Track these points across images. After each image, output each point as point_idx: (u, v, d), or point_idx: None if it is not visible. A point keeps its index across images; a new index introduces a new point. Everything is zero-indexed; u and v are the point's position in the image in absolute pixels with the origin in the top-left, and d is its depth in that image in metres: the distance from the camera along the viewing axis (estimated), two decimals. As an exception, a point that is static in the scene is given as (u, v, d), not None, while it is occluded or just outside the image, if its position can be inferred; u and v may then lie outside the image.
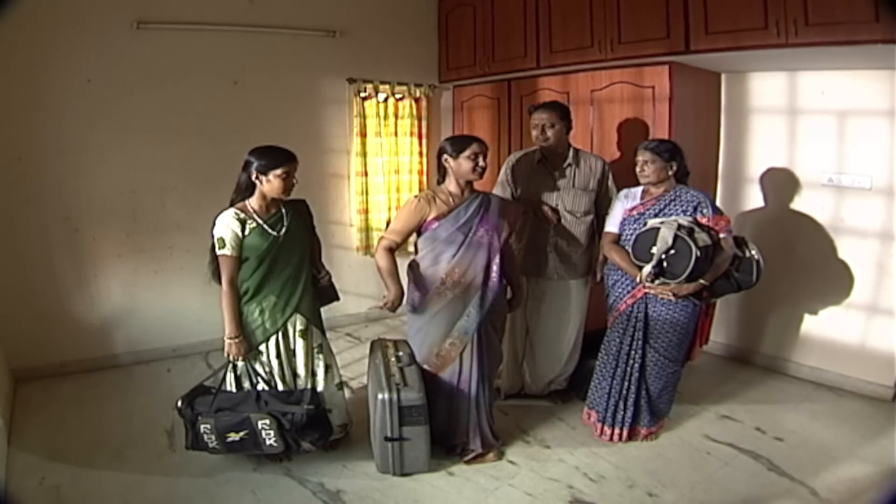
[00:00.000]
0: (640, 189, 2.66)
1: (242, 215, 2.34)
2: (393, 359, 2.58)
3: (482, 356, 2.55)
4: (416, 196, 2.54)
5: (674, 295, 2.49)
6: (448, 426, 2.58)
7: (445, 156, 2.51)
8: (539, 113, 2.85)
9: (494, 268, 2.51)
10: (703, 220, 2.48)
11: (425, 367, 2.54)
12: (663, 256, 2.41)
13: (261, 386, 2.41)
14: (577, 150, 2.93)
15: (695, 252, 2.34)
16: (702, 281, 2.45)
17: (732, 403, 3.10)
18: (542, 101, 3.06)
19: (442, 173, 2.57)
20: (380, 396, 2.37)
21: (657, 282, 2.47)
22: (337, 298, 2.70)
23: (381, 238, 2.56)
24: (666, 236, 2.40)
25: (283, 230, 2.40)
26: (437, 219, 2.48)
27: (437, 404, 2.53)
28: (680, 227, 2.41)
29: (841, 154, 3.18)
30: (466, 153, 2.47)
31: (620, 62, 3.34)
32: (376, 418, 2.42)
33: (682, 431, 2.83)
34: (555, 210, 2.87)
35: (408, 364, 2.53)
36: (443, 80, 4.54)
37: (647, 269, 2.45)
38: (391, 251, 2.52)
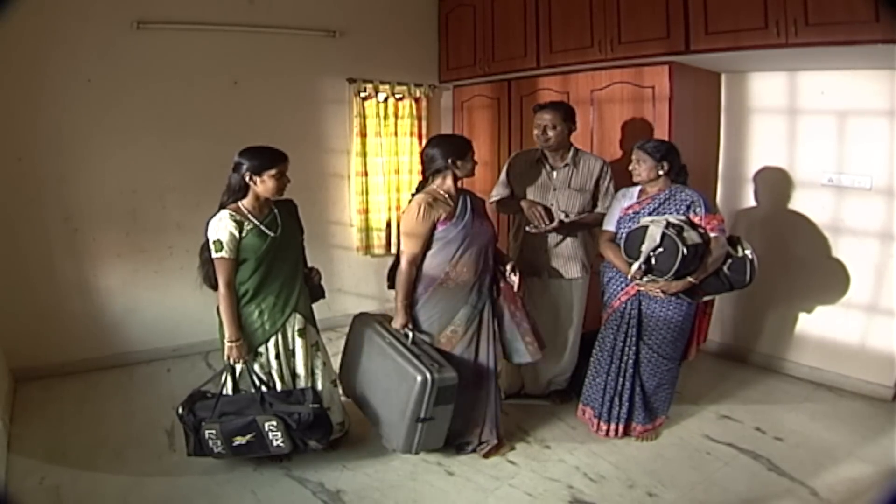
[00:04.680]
0: (637, 188, 2.68)
1: (238, 217, 2.33)
2: (410, 334, 2.50)
3: (496, 348, 2.59)
4: (418, 202, 2.50)
5: (662, 292, 2.51)
6: (463, 424, 2.58)
7: (452, 159, 2.50)
8: (542, 113, 2.84)
9: (491, 258, 2.58)
10: (696, 219, 2.50)
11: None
12: (652, 254, 2.43)
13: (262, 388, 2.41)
14: (577, 151, 2.93)
15: (682, 250, 2.36)
16: (690, 279, 2.46)
17: (732, 403, 3.11)
18: (547, 101, 3.04)
19: (431, 175, 2.56)
20: (418, 379, 2.30)
21: (646, 279, 2.51)
22: (324, 296, 2.71)
23: (402, 253, 2.53)
24: (654, 234, 2.43)
25: (280, 230, 2.40)
26: (447, 220, 2.50)
27: (457, 402, 2.53)
28: (669, 225, 2.43)
29: (841, 154, 3.18)
30: (471, 154, 2.55)
31: (620, 62, 3.34)
32: (410, 400, 2.33)
33: (682, 431, 2.83)
34: (547, 209, 2.87)
35: (419, 341, 2.50)
36: (443, 80, 4.54)
37: (635, 266, 2.48)
38: (415, 263, 2.50)
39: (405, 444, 2.41)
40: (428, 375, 2.30)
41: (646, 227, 2.48)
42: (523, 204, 2.89)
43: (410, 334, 2.51)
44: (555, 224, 2.79)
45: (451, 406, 2.40)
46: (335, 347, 2.92)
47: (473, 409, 2.59)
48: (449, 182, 2.54)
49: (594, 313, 2.97)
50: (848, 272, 3.19)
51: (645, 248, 2.45)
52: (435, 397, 2.32)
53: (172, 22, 3.52)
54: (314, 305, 2.63)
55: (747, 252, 2.54)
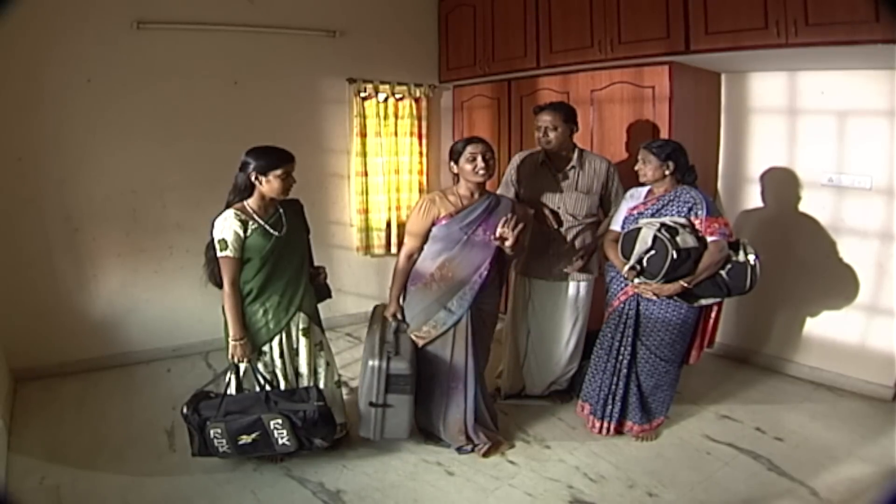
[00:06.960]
0: (645, 189, 2.67)
1: (243, 216, 2.33)
2: (394, 324, 2.58)
3: (476, 352, 2.59)
4: (423, 199, 2.59)
5: (655, 295, 2.52)
6: (435, 421, 2.62)
7: (451, 161, 2.56)
8: (542, 115, 2.83)
9: (486, 267, 2.53)
10: (696, 222, 2.49)
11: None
12: (644, 256, 2.43)
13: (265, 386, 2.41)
14: (582, 152, 2.91)
15: (671, 253, 2.36)
16: (682, 283, 2.45)
17: (732, 403, 3.10)
18: (548, 102, 3.02)
19: (456, 175, 2.62)
20: (369, 363, 2.41)
21: (637, 280, 2.51)
22: (330, 296, 2.72)
23: (403, 245, 2.63)
24: (646, 237, 2.43)
25: (284, 230, 2.41)
26: (445, 218, 2.51)
27: (430, 399, 2.58)
28: (663, 227, 2.43)
29: (841, 154, 3.18)
30: (466, 155, 2.52)
31: (620, 62, 3.34)
32: (363, 383, 2.45)
33: (682, 431, 2.83)
34: (555, 213, 2.87)
35: (403, 331, 2.55)
36: (443, 80, 4.54)
37: (626, 267, 2.50)
38: (411, 258, 2.58)
39: (363, 427, 2.49)
40: (376, 362, 2.39)
41: (640, 229, 2.48)
42: (531, 208, 2.89)
43: (394, 323, 2.56)
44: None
45: (406, 397, 2.43)
46: (335, 347, 2.93)
47: (449, 409, 2.59)
48: (461, 182, 2.57)
49: (599, 314, 2.97)
50: (851, 273, 3.18)
51: (637, 250, 2.45)
52: (385, 384, 2.39)
53: (172, 22, 3.52)
54: (320, 305, 2.64)
55: (750, 258, 2.50)
